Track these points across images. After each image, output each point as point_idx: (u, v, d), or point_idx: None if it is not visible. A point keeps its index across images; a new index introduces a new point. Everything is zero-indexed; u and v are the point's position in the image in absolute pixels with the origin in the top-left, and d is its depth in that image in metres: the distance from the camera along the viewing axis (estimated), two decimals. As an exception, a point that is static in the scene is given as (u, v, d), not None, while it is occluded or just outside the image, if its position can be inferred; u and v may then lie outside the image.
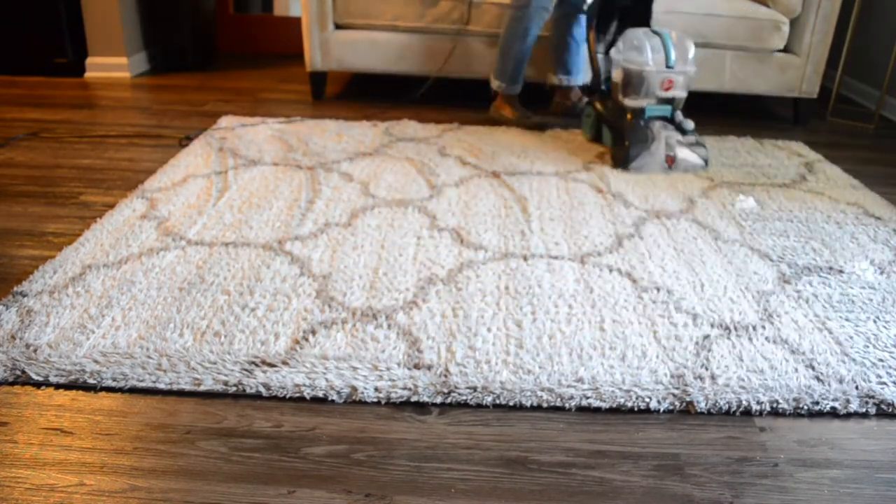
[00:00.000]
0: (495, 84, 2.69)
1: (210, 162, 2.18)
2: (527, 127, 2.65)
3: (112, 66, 3.29)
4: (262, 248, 1.64)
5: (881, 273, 1.65)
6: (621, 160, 2.25)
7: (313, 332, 1.33)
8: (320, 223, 1.79)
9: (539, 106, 2.87)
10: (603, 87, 2.43)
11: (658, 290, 1.53)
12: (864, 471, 1.08)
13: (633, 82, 2.23)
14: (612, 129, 2.35)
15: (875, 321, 1.45)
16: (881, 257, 1.73)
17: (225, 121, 2.60)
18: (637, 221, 1.87)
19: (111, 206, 1.87)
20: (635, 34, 2.24)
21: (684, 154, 2.26)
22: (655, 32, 2.24)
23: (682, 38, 2.25)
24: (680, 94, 2.26)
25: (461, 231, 1.77)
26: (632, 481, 1.04)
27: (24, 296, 1.41)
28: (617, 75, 2.29)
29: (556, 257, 1.66)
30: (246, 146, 2.32)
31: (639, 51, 2.21)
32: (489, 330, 1.36)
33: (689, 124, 2.28)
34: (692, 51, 2.24)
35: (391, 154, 2.31)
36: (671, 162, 2.24)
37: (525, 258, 1.65)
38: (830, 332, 1.40)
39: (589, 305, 1.45)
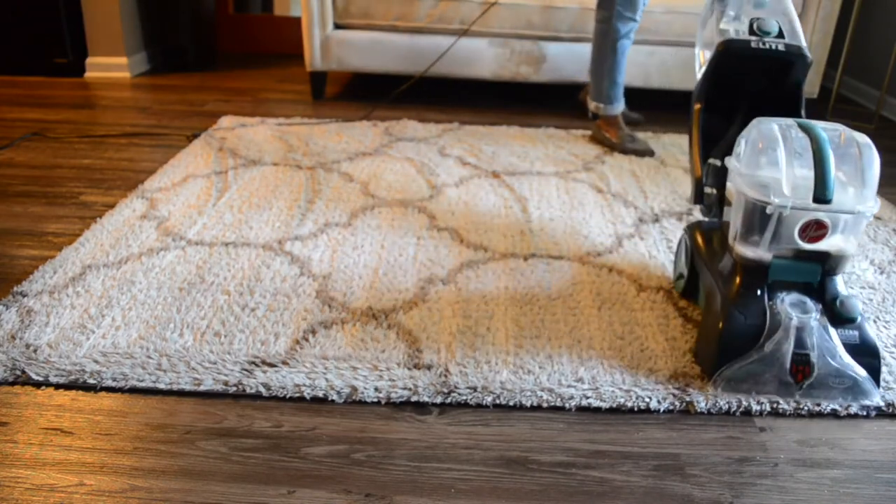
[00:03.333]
0: (592, 105, 2.48)
1: (210, 162, 2.18)
2: (633, 153, 2.38)
3: (112, 65, 3.29)
4: (262, 248, 1.64)
5: (881, 273, 1.65)
6: (708, 360, 1.26)
7: (313, 332, 1.33)
8: (320, 223, 1.79)
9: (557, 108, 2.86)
10: (708, 212, 1.50)
11: (658, 290, 1.52)
12: (864, 471, 1.08)
13: (753, 218, 1.22)
14: (709, 287, 1.35)
15: (875, 321, 1.45)
16: (881, 257, 1.73)
17: (225, 121, 2.60)
18: (637, 221, 1.87)
19: (111, 206, 1.86)
20: (767, 129, 1.23)
21: (837, 365, 1.20)
22: (805, 129, 1.22)
23: (854, 143, 1.21)
24: (840, 246, 1.21)
25: (461, 231, 1.77)
26: (632, 481, 1.04)
27: (24, 296, 1.41)
28: (730, 197, 1.32)
29: (556, 257, 1.66)
30: (246, 146, 2.32)
31: (768, 161, 1.22)
32: (489, 330, 1.36)
33: (854, 307, 1.22)
34: (876, 168, 1.19)
35: (391, 154, 2.31)
36: (802, 376, 1.20)
37: (525, 258, 1.65)
38: (830, 332, 1.39)
39: (589, 305, 1.45)
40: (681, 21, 2.77)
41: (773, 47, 1.42)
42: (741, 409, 1.18)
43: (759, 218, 1.20)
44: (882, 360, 1.24)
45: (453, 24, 2.82)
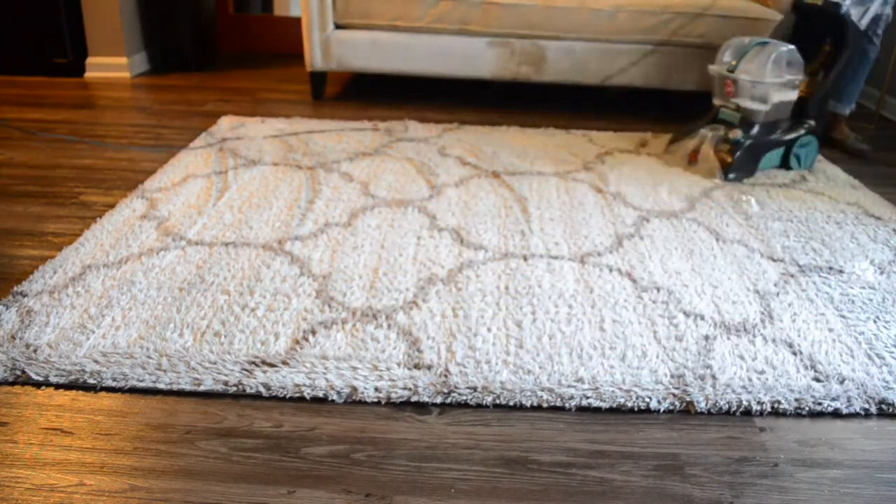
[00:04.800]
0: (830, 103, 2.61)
1: (210, 162, 2.18)
2: (853, 153, 2.56)
3: (112, 66, 3.29)
4: (262, 248, 1.64)
5: (881, 273, 1.65)
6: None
7: (313, 332, 1.33)
8: (320, 223, 1.79)
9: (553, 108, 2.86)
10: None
11: (658, 289, 1.53)
12: (864, 471, 1.08)
13: (713, 81, 2.31)
14: None
15: (875, 321, 1.45)
16: (881, 257, 1.73)
17: (225, 121, 2.60)
18: (637, 221, 1.87)
19: (111, 206, 1.86)
20: (739, 39, 2.27)
21: (706, 154, 2.23)
22: (761, 42, 2.20)
23: (774, 51, 2.14)
24: (743, 102, 2.19)
25: (461, 231, 1.77)
26: (632, 481, 1.04)
27: (24, 296, 1.41)
28: None
29: (556, 257, 1.66)
30: (246, 146, 2.32)
31: (723, 51, 2.27)
32: (489, 330, 1.36)
33: (737, 135, 2.21)
34: (774, 63, 2.13)
35: (391, 154, 2.31)
36: (693, 158, 2.28)
37: (525, 258, 1.65)
38: (831, 332, 1.40)
39: (589, 305, 1.45)
40: (680, 21, 2.77)
41: (818, 5, 2.32)
42: (741, 409, 1.18)
43: (714, 80, 2.31)
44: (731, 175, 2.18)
45: (453, 24, 2.81)
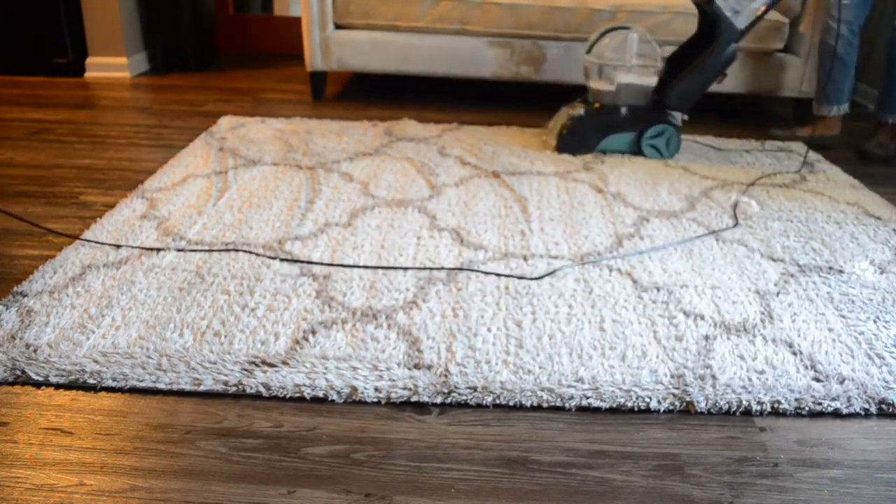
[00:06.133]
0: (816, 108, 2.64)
1: (210, 162, 2.18)
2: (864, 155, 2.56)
3: (112, 66, 3.29)
4: (262, 248, 1.64)
5: (881, 273, 1.65)
6: None
7: (313, 332, 1.33)
8: (320, 223, 1.79)
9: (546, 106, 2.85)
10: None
11: (658, 289, 1.53)
12: (864, 471, 1.08)
13: None
14: None
15: (875, 321, 1.45)
16: (881, 257, 1.73)
17: (225, 121, 2.60)
18: (637, 221, 1.87)
19: (111, 206, 1.86)
20: (610, 26, 2.40)
21: (553, 128, 2.46)
22: (619, 28, 2.34)
23: (622, 36, 2.28)
24: (592, 83, 2.34)
25: (461, 231, 1.77)
26: (632, 481, 1.04)
27: (24, 296, 1.41)
28: None
29: (556, 257, 1.66)
30: (246, 146, 2.32)
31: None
32: (489, 330, 1.35)
33: (578, 111, 2.39)
34: (620, 47, 2.28)
35: (391, 154, 2.31)
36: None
37: (525, 258, 1.65)
38: (831, 332, 1.40)
39: (589, 305, 1.45)
40: (680, 21, 2.77)
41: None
42: (741, 409, 1.18)
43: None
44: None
45: (453, 24, 2.81)
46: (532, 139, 2.52)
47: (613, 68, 2.28)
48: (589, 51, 2.34)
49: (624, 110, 2.34)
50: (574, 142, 2.35)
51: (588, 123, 2.34)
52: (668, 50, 2.81)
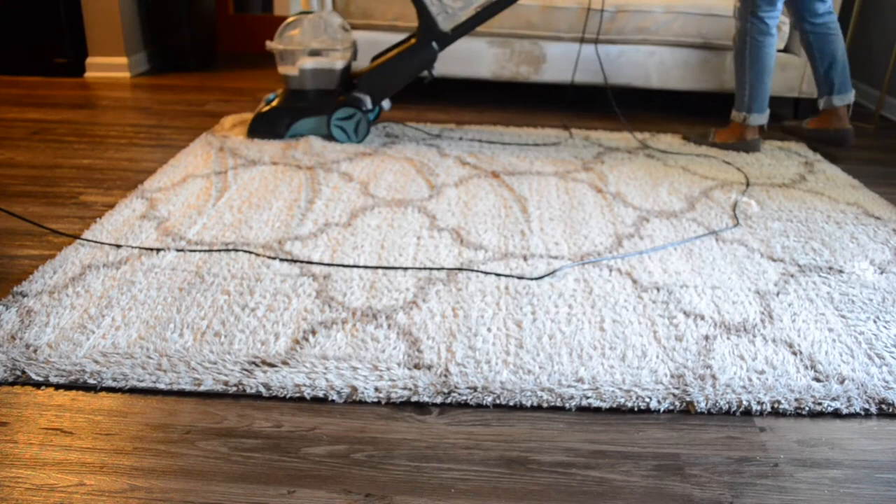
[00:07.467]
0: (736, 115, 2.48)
1: (210, 162, 2.18)
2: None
3: (112, 65, 3.29)
4: (261, 248, 1.64)
5: (881, 273, 1.65)
6: None
7: (313, 332, 1.33)
8: (320, 223, 1.79)
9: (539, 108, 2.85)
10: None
11: (658, 289, 1.53)
12: (864, 471, 1.08)
13: None
14: None
15: (875, 321, 1.45)
16: (881, 257, 1.73)
17: (225, 121, 2.60)
18: (637, 221, 1.87)
19: (111, 206, 1.86)
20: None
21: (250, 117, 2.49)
22: (305, 13, 2.35)
23: (302, 20, 2.31)
24: (281, 69, 2.34)
25: (461, 231, 1.77)
26: (632, 481, 1.04)
27: (24, 296, 1.41)
28: None
29: (555, 257, 1.66)
30: (246, 146, 2.32)
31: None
32: (489, 330, 1.36)
33: (268, 98, 2.44)
34: (296, 30, 2.31)
35: (391, 154, 2.31)
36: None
37: (525, 258, 1.65)
38: (831, 332, 1.40)
39: (589, 305, 1.45)
40: (680, 21, 2.77)
41: None
42: (741, 409, 1.18)
43: None
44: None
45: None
46: (532, 139, 2.52)
47: (293, 53, 2.30)
48: (280, 36, 2.34)
49: (311, 94, 2.36)
50: (263, 127, 2.38)
51: (277, 109, 2.37)
52: (669, 51, 2.82)
